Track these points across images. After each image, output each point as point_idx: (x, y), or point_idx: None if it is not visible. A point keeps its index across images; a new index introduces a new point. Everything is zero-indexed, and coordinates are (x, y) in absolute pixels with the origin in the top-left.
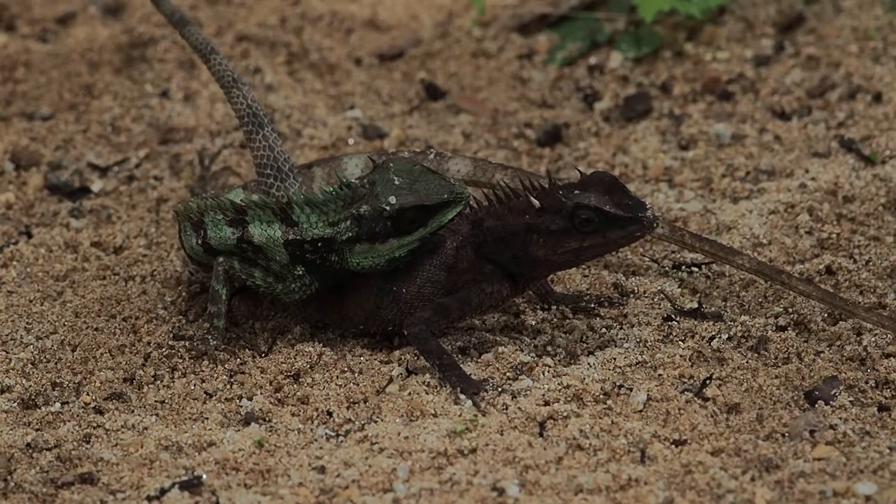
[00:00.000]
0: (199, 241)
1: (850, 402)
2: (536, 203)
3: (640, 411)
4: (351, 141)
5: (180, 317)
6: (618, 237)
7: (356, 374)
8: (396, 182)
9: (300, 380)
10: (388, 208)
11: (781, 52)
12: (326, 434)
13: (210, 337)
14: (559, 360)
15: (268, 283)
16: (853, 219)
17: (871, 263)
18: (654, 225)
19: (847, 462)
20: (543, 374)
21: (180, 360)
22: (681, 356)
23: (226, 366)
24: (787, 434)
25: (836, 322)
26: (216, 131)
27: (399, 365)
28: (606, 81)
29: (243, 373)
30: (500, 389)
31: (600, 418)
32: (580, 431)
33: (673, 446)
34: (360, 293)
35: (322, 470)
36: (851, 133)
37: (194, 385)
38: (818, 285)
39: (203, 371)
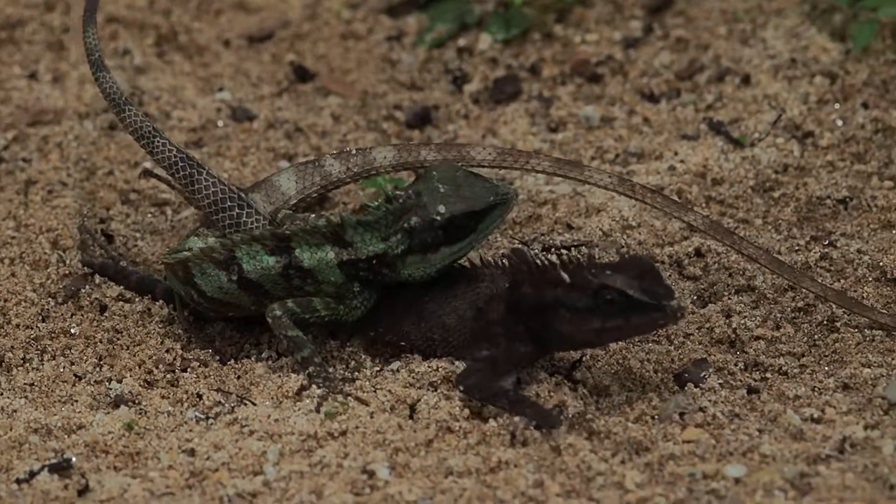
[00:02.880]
0: (233, 278)
1: (720, 384)
2: (567, 278)
3: None
4: (220, 123)
5: (49, 299)
6: (640, 323)
7: (227, 358)
8: (442, 190)
9: (170, 363)
10: (438, 218)
11: (650, 34)
12: (196, 417)
13: (321, 380)
14: None
15: (331, 309)
16: (722, 201)
17: None
18: (679, 315)
19: (716, 444)
20: (414, 358)
21: (49, 343)
22: None
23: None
24: (656, 416)
25: (705, 304)
26: (85, 113)
27: (269, 348)
28: (476, 63)
29: (112, 356)
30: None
31: (470, 401)
32: (450, 415)
33: (543, 429)
34: (398, 305)
35: (192, 452)
36: (720, 115)
37: (63, 367)
38: (768, 251)
39: (72, 354)
